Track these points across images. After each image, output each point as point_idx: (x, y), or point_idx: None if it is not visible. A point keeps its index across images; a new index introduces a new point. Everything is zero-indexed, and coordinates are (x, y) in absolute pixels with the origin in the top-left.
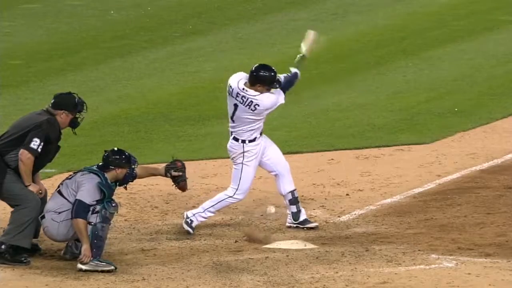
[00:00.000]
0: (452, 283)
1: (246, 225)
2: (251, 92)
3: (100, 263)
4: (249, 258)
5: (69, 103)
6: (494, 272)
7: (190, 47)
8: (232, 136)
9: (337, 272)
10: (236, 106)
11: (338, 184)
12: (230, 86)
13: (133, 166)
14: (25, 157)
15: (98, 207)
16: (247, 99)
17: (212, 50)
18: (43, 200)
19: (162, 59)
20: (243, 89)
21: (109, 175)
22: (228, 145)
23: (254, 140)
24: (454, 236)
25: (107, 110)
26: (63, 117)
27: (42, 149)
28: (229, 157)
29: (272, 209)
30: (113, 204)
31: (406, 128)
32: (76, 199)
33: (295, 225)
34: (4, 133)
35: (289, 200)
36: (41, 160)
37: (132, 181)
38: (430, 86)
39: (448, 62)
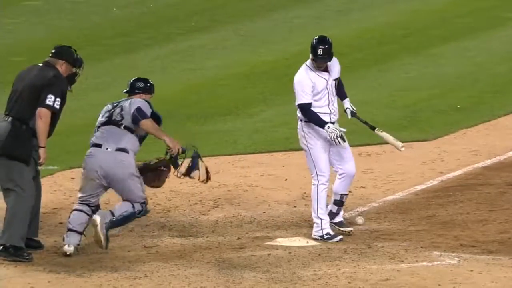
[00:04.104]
0: (455, 280)
1: (248, 222)
2: (308, 62)
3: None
4: (252, 255)
5: (69, 54)
6: (496, 269)
7: (192, 44)
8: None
9: (339, 269)
10: None
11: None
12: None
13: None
14: (43, 114)
15: (144, 206)
16: None
17: (215, 47)
18: (37, 197)
19: (165, 56)
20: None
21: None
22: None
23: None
24: (456, 233)
25: None
26: (63, 67)
27: (60, 105)
28: (231, 155)
29: (360, 220)
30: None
31: (408, 125)
32: (135, 109)
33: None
34: (16, 95)
35: (334, 200)
36: (55, 117)
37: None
38: (432, 83)
39: (451, 60)
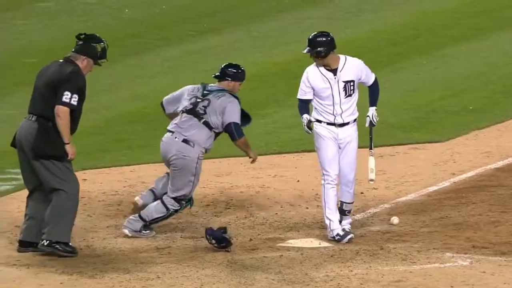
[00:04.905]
0: (467, 282)
1: (260, 224)
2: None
3: (144, 232)
4: (264, 256)
5: (91, 50)
6: (508, 270)
7: (204, 45)
8: None
9: (351, 271)
10: None
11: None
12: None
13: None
14: (60, 112)
15: (184, 203)
16: None
17: (226, 48)
18: None
19: (177, 58)
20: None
21: (223, 86)
22: None
23: (319, 121)
24: (468, 235)
25: (121, 108)
26: (84, 63)
27: (79, 101)
28: (243, 156)
29: (395, 220)
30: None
31: (420, 126)
32: (232, 122)
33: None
34: (36, 92)
35: (338, 208)
36: (75, 114)
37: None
38: (444, 84)
39: (463, 60)
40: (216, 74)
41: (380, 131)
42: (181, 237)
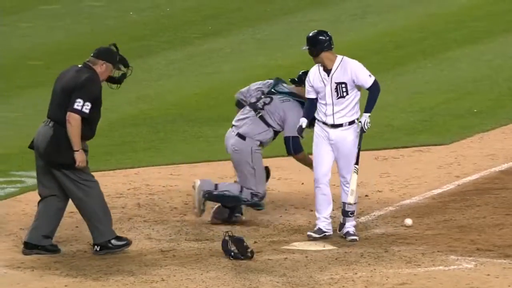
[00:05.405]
0: (471, 284)
1: (265, 226)
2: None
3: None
4: (268, 259)
5: (109, 54)
6: None
7: (209, 48)
8: None
9: (356, 273)
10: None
11: (357, 185)
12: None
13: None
14: (72, 119)
15: (255, 200)
16: None
17: (231, 51)
18: (65, 201)
19: (181, 60)
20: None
21: (295, 90)
22: None
23: (317, 120)
24: (473, 237)
25: (126, 111)
26: (103, 68)
27: (92, 109)
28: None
29: (409, 222)
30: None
31: (425, 129)
32: (290, 137)
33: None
34: (53, 97)
35: (341, 209)
36: (88, 121)
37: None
38: (449, 87)
39: (467, 63)
40: (293, 78)
41: (384, 133)
42: (185, 240)
